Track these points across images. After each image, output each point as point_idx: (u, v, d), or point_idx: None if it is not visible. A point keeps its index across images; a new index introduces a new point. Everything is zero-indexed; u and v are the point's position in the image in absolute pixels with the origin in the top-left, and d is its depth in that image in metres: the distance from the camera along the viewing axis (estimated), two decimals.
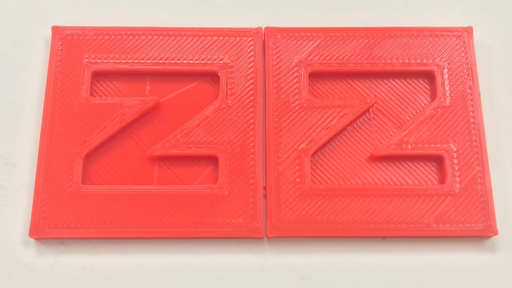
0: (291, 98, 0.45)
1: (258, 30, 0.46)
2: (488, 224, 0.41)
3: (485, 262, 0.42)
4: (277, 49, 0.46)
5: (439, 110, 0.44)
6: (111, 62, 0.45)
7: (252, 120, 0.44)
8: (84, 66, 0.45)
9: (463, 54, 0.45)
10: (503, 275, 0.41)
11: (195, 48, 0.46)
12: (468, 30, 0.46)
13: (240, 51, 0.46)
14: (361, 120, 0.45)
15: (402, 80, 0.46)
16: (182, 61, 0.45)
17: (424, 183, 0.43)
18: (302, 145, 0.43)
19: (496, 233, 0.41)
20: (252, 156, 0.43)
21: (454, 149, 0.43)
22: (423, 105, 0.45)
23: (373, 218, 0.42)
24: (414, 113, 0.45)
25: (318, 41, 0.46)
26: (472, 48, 0.45)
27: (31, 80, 0.45)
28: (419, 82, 0.46)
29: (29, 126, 0.44)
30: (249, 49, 0.46)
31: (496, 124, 0.45)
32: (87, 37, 0.46)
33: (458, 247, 0.42)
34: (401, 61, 0.45)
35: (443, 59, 0.45)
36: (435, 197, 0.42)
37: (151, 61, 0.45)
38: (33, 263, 0.41)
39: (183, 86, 0.46)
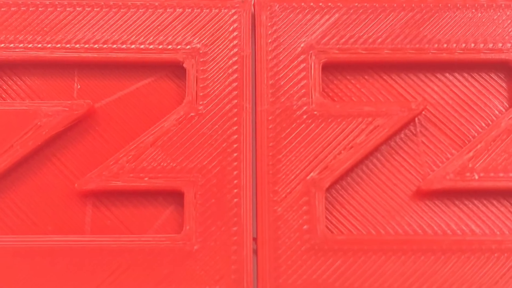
0: (296, 102, 0.40)
1: (245, 0, 0.42)
2: None
3: None
4: (274, 28, 0.41)
5: None
6: (20, 48, 0.41)
7: (235, 136, 0.39)
8: None
9: None
10: None
11: (149, 26, 0.41)
12: None
13: (218, 30, 0.41)
14: (402, 135, 0.40)
15: (465, 75, 0.41)
16: (128, 45, 0.41)
17: (499, 232, 0.39)
18: (312, 173, 0.39)
19: None
20: (235, 190, 0.38)
21: None
22: (496, 112, 0.41)
23: (420, 285, 0.37)
24: (483, 125, 0.41)
25: (336, 15, 0.41)
26: None
27: None
28: (491, 77, 0.41)
29: None
30: (231, 28, 0.41)
31: None
32: None
33: None
34: (463, 45, 0.41)
35: None
36: None
37: (81, 45, 0.41)
38: None
39: (130, 85, 0.41)
